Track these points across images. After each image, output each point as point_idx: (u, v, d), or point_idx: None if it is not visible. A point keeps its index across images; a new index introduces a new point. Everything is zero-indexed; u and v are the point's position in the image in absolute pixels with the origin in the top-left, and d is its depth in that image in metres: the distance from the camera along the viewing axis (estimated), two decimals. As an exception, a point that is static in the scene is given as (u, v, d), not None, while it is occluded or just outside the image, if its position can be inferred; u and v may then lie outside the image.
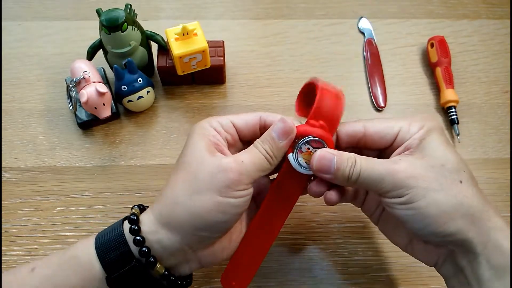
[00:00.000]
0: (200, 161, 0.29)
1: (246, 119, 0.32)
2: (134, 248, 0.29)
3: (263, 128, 0.32)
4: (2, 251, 0.40)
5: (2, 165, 0.44)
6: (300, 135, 0.31)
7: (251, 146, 0.31)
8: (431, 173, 0.28)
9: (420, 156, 0.29)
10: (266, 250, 0.35)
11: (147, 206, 0.33)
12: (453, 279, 0.31)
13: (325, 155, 0.30)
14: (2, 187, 0.43)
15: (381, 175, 0.29)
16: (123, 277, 0.29)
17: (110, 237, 0.30)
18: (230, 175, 0.28)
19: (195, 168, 0.29)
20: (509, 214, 0.42)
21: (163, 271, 0.30)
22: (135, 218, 0.30)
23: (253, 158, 0.30)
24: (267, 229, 0.34)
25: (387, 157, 0.31)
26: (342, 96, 0.31)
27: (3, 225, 0.41)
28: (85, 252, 0.29)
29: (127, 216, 0.30)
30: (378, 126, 0.32)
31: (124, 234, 0.29)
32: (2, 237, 0.40)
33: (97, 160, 0.45)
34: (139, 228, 0.29)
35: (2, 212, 0.42)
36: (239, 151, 0.31)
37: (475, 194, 0.29)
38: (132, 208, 0.32)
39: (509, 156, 0.46)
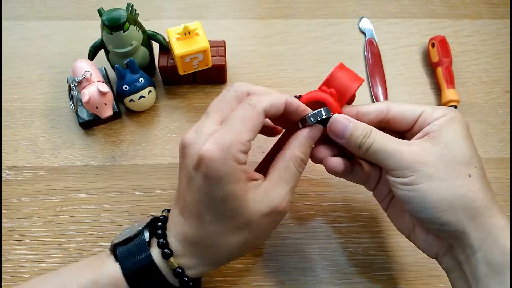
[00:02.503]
0: (248, 211, 0.29)
1: (257, 129, 0.30)
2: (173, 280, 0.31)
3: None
4: (4, 250, 0.40)
5: (4, 165, 0.44)
6: (308, 100, 0.33)
7: (287, 162, 0.31)
8: (440, 162, 0.28)
9: (435, 143, 0.29)
10: None
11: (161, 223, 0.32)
12: (452, 273, 0.31)
13: (342, 120, 0.31)
14: (4, 187, 0.43)
15: (390, 152, 0.29)
16: None
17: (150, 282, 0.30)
18: (282, 213, 0.31)
19: (245, 216, 0.29)
20: (510, 214, 0.42)
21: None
22: (181, 271, 0.30)
23: (295, 181, 0.31)
24: None
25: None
26: (360, 78, 0.33)
27: (5, 225, 0.41)
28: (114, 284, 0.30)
29: (162, 252, 0.30)
30: (402, 107, 0.32)
31: (171, 283, 0.31)
32: (3, 236, 0.41)
33: (98, 159, 0.45)
34: (189, 279, 0.31)
35: (4, 211, 0.42)
36: None
37: (482, 190, 0.29)
38: (162, 248, 0.31)
39: (510, 156, 0.46)
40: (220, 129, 0.29)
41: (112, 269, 0.30)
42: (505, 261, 0.27)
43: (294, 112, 0.32)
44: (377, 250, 0.41)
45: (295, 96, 0.33)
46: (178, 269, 0.30)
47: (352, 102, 0.35)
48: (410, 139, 0.31)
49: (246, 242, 0.30)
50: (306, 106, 0.32)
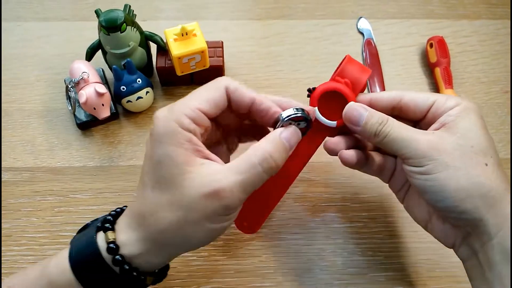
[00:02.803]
0: (185, 181, 0.26)
1: (214, 101, 0.29)
2: (117, 269, 0.27)
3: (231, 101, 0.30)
4: (1, 251, 0.40)
5: (2, 166, 0.44)
6: (324, 90, 0.32)
7: (248, 156, 0.27)
8: (457, 151, 0.29)
9: (452, 133, 0.29)
10: (279, 197, 0.36)
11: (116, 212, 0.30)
12: (468, 261, 0.31)
13: (357, 108, 0.31)
14: (1, 188, 0.43)
15: (407, 141, 0.29)
16: None
17: (90, 264, 0.27)
18: (224, 201, 0.26)
19: (179, 188, 0.26)
20: (510, 214, 0.42)
21: (152, 279, 0.30)
22: (115, 247, 0.27)
23: (253, 176, 0.27)
24: (282, 179, 0.35)
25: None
26: (368, 69, 0.34)
27: (2, 225, 0.41)
28: (63, 278, 0.27)
29: (109, 242, 0.27)
30: (415, 95, 0.32)
31: (109, 264, 0.27)
32: (1, 237, 0.40)
33: (96, 160, 0.45)
34: (123, 257, 0.27)
35: (1, 212, 0.42)
36: (209, 133, 0.30)
37: (498, 178, 0.29)
38: (104, 230, 0.28)
39: (509, 156, 0.46)
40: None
41: (61, 255, 0.28)
42: None
43: (265, 112, 0.30)
44: (376, 251, 0.40)
45: (308, 89, 0.33)
46: (111, 244, 0.27)
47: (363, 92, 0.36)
48: (425, 129, 0.31)
49: (181, 224, 0.26)
50: (278, 108, 0.31)
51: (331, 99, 0.32)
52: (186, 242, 0.28)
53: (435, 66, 0.49)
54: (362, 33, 0.54)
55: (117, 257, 0.27)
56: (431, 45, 0.50)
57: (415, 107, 0.32)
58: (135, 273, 0.27)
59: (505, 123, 0.48)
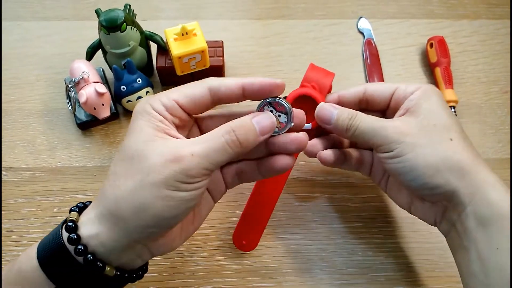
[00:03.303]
0: (147, 147, 0.26)
1: (192, 96, 0.28)
2: (81, 259, 0.26)
3: (216, 100, 0.29)
4: (1, 251, 0.40)
5: (2, 166, 0.44)
6: (296, 96, 0.36)
7: (213, 130, 0.27)
8: (421, 131, 0.30)
9: (415, 116, 0.31)
10: (269, 212, 0.39)
11: (90, 202, 0.29)
12: (448, 236, 0.32)
13: (327, 107, 0.33)
14: (1, 188, 0.43)
15: (375, 130, 0.31)
16: (74, 285, 0.27)
17: (51, 247, 0.27)
18: (183, 165, 0.25)
19: (141, 155, 0.26)
20: (510, 215, 0.42)
21: (114, 272, 0.27)
22: (73, 226, 0.26)
23: (214, 144, 0.26)
24: (267, 193, 0.38)
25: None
26: (331, 73, 0.37)
27: (2, 225, 0.41)
28: (29, 264, 0.27)
29: (65, 221, 0.27)
30: (377, 86, 0.35)
31: (64, 243, 0.26)
32: (1, 237, 0.40)
33: (96, 160, 0.45)
34: (79, 237, 0.26)
35: (2, 212, 0.42)
36: (192, 132, 0.30)
37: (465, 149, 0.30)
38: (70, 212, 0.28)
39: (509, 156, 0.46)
40: None
41: (31, 250, 0.28)
42: (492, 215, 0.28)
43: (262, 91, 0.29)
44: (375, 251, 0.40)
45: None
46: (70, 223, 0.26)
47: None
48: (391, 118, 0.33)
49: (137, 189, 0.25)
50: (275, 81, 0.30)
51: (302, 104, 0.35)
52: (142, 211, 0.25)
53: (436, 66, 0.49)
54: (362, 33, 0.54)
55: (73, 235, 0.26)
56: (431, 45, 0.50)
57: (379, 97, 0.34)
58: (99, 263, 0.26)
59: (505, 123, 0.48)
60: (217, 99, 0.29)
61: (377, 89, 0.35)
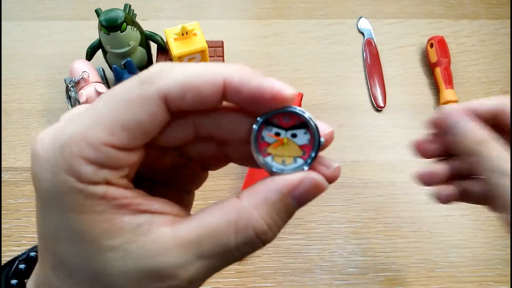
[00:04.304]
0: (107, 268, 0.16)
1: (138, 125, 0.15)
2: None
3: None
4: (1, 251, 0.40)
5: (2, 165, 0.44)
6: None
7: (219, 227, 0.16)
8: None
9: None
10: None
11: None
12: None
13: (459, 113, 0.25)
14: (2, 188, 0.43)
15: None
16: None
17: None
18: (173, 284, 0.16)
19: (102, 279, 0.16)
20: (510, 217, 0.42)
21: None
22: None
23: (220, 262, 0.17)
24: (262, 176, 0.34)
25: None
26: (299, 93, 0.32)
27: (2, 225, 0.41)
28: None
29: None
30: None
31: None
32: (1, 238, 0.40)
33: (96, 160, 0.45)
34: None
35: (2, 212, 0.42)
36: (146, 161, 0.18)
37: None
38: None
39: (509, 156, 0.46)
40: (84, 110, 0.16)
41: None
42: None
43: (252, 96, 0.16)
44: (376, 251, 0.40)
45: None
46: None
47: None
48: None
49: None
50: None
51: None
52: None
53: (436, 66, 0.49)
54: (362, 33, 0.53)
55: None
56: (431, 45, 0.50)
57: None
58: None
59: (505, 123, 0.48)
60: (179, 113, 0.16)
61: None
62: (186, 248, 0.16)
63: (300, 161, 0.17)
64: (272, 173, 0.17)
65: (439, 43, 0.50)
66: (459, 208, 0.42)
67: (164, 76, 0.16)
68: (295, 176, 0.17)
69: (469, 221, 0.42)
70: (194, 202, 0.22)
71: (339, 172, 0.17)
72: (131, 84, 0.16)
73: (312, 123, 0.17)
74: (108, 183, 0.16)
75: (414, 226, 0.41)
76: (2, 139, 0.45)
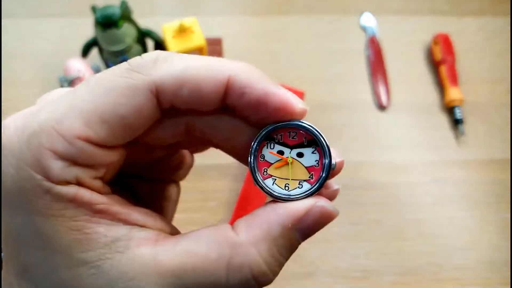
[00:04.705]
0: None
1: (121, 119, 0.14)
2: None
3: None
4: (1, 251, 0.39)
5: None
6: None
7: (212, 259, 0.14)
8: None
9: None
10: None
11: None
12: None
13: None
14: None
15: None
16: None
17: None
18: None
19: None
20: (510, 214, 0.41)
21: None
22: None
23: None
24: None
25: None
26: (300, 91, 0.32)
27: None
28: None
29: None
30: None
31: None
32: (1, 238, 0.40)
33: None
34: None
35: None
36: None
37: None
38: None
39: (509, 156, 0.45)
40: (64, 95, 0.14)
41: None
42: None
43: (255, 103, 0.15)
44: (378, 254, 0.40)
45: None
46: None
47: None
48: None
49: None
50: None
51: None
52: None
53: (440, 64, 0.48)
54: (365, 30, 0.52)
55: None
56: (436, 43, 0.49)
57: None
58: None
59: (510, 123, 0.47)
60: (171, 111, 0.15)
61: None
62: (167, 277, 0.14)
63: (306, 186, 0.15)
64: (273, 198, 0.15)
65: (444, 41, 0.49)
66: (464, 210, 0.41)
67: (159, 66, 0.14)
68: (301, 205, 0.15)
69: (473, 223, 0.41)
70: (192, 203, 0.21)
71: (337, 194, 0.16)
72: (120, 71, 0.14)
73: (324, 142, 0.15)
74: (79, 183, 0.13)
75: (418, 228, 0.40)
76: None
